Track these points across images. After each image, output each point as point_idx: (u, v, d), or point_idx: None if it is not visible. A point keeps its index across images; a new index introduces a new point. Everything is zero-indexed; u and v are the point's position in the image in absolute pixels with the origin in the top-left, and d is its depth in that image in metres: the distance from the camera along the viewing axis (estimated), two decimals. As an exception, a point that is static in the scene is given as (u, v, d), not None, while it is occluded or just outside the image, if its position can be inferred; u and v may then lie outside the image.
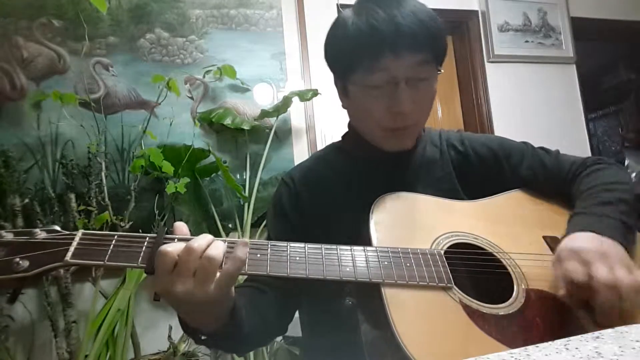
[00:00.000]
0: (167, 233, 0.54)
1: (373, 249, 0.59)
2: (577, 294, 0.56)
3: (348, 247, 0.58)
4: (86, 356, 1.42)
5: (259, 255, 0.55)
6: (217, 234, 1.71)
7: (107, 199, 1.58)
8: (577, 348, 0.35)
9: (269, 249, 0.56)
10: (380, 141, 0.75)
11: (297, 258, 0.56)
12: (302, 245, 0.58)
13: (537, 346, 0.36)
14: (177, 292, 0.49)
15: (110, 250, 0.51)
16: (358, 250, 0.58)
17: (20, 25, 1.74)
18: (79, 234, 0.52)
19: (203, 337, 0.57)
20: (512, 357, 0.34)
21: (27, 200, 1.51)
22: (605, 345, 0.35)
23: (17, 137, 1.66)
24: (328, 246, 0.58)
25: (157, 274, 0.50)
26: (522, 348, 0.36)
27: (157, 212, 1.70)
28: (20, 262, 0.48)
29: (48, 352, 1.55)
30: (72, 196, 1.56)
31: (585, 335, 0.38)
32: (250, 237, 1.75)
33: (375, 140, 0.75)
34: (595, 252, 0.56)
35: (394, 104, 0.67)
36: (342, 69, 0.72)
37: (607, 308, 0.53)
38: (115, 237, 0.53)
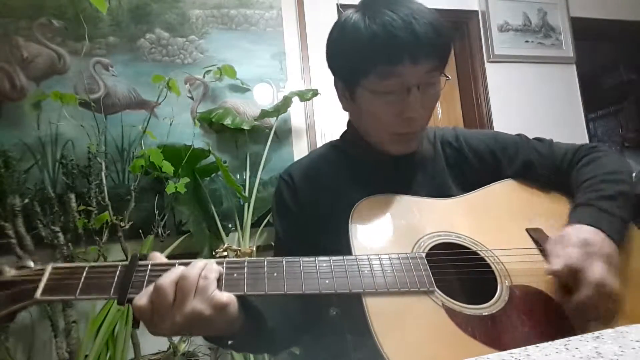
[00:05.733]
0: (140, 259, 0.53)
1: (352, 257, 0.58)
2: (565, 278, 0.57)
3: (327, 258, 0.57)
4: (86, 356, 1.42)
5: (235, 275, 0.54)
6: (217, 234, 1.71)
7: (107, 199, 1.57)
8: (577, 348, 0.35)
9: (245, 267, 0.55)
10: (386, 145, 0.75)
11: (275, 274, 0.55)
12: (279, 259, 0.57)
13: (537, 346, 0.36)
14: (183, 323, 0.49)
15: (81, 284, 0.50)
16: (337, 261, 0.57)
17: (20, 25, 1.74)
18: (49, 268, 0.51)
19: (230, 342, 0.57)
20: (512, 357, 0.34)
21: (27, 200, 1.51)
22: (605, 345, 0.35)
23: (17, 137, 1.66)
24: (306, 258, 0.57)
25: (158, 314, 0.49)
26: (522, 348, 0.36)
27: (157, 212, 1.70)
28: None
29: (48, 352, 1.55)
30: (72, 196, 1.56)
31: (585, 335, 0.38)
32: (250, 237, 1.75)
33: (381, 144, 0.75)
34: (599, 249, 0.57)
35: (406, 109, 0.67)
36: (351, 72, 0.71)
37: (588, 305, 0.55)
38: (87, 268, 0.52)
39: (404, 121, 0.69)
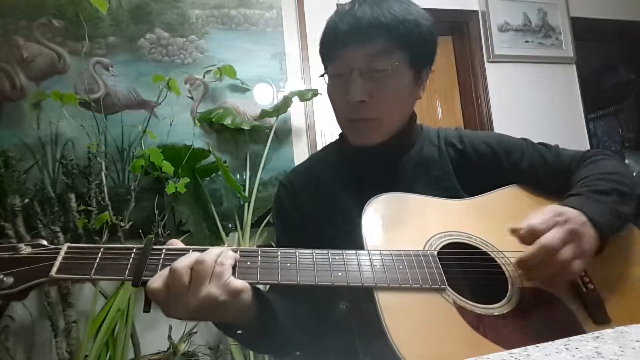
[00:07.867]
0: (155, 244, 0.54)
1: (365, 252, 0.58)
2: (526, 240, 0.58)
3: (340, 252, 0.57)
4: (86, 356, 1.42)
5: (248, 264, 0.54)
6: (217, 234, 1.71)
7: (107, 199, 1.57)
8: (577, 348, 0.35)
9: (259, 257, 0.55)
10: (348, 135, 0.77)
11: (288, 264, 0.55)
12: (292, 250, 0.57)
13: (537, 346, 0.36)
14: (198, 307, 0.49)
15: (96, 264, 0.51)
16: (350, 254, 0.57)
17: (20, 25, 1.74)
18: (65, 247, 0.52)
19: (239, 332, 0.57)
20: (512, 357, 0.34)
21: (27, 200, 1.51)
22: (605, 345, 0.35)
23: (17, 137, 1.66)
24: (319, 251, 0.57)
25: (174, 296, 0.49)
26: (522, 348, 0.36)
27: (157, 212, 1.70)
28: (5, 278, 0.47)
29: (48, 352, 1.55)
30: (72, 196, 1.57)
31: (585, 335, 0.38)
32: (250, 237, 1.75)
33: (345, 134, 0.77)
34: (569, 224, 0.57)
35: (347, 93, 0.69)
36: (322, 62, 0.76)
37: (528, 261, 0.56)
38: (102, 249, 0.52)
39: (350, 106, 0.70)
